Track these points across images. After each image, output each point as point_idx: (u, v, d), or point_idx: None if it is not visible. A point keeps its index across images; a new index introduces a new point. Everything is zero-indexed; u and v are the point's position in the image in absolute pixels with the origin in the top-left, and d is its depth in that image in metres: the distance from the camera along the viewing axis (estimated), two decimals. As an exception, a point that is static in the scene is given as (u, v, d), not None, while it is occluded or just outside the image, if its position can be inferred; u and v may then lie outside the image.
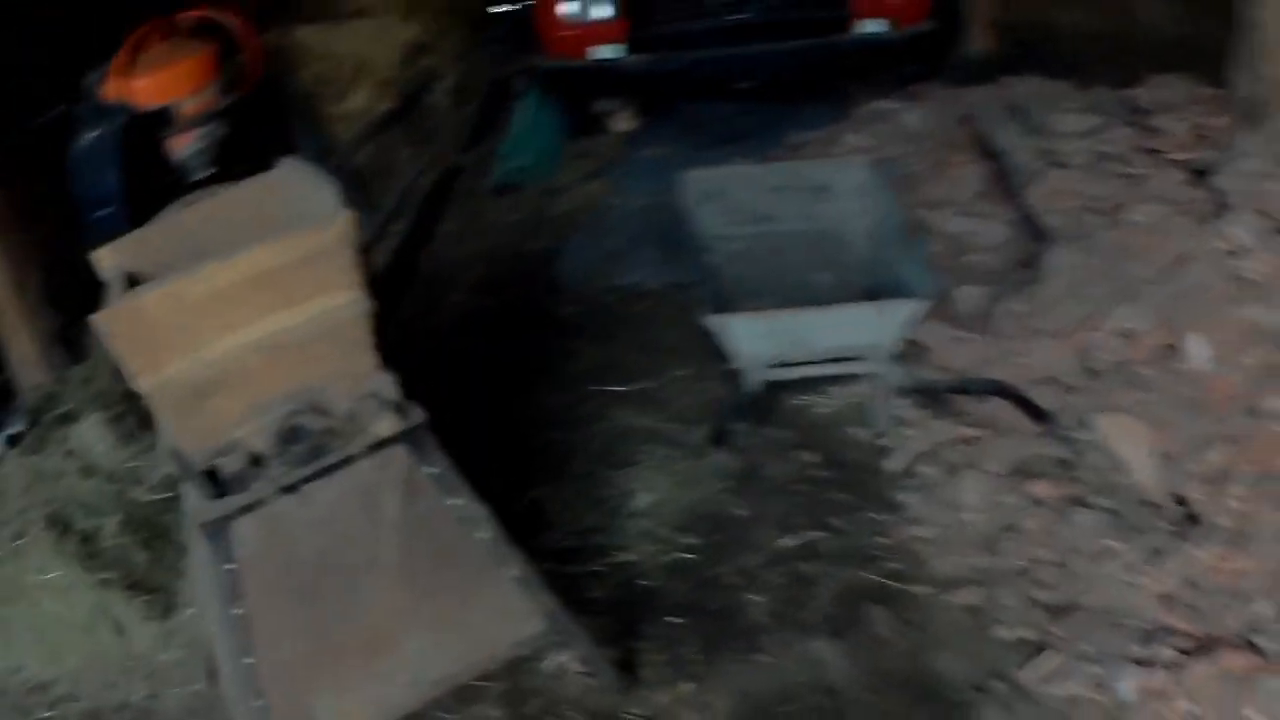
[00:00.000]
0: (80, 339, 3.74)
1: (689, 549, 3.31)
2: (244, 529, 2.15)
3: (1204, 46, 4.72)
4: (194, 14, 4.51)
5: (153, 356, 1.98)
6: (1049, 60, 5.92)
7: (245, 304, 2.01)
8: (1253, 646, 2.76)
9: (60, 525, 3.14)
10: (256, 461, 2.15)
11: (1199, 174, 4.09)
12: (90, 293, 2.25)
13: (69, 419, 3.46)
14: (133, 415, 3.39)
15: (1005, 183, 4.92)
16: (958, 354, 3.86)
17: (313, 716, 2.41)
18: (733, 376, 3.66)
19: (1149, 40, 6.07)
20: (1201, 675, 2.70)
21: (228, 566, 2.15)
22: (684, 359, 4.15)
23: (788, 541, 3.31)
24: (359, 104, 5.32)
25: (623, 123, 6.38)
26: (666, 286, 4.57)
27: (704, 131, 5.84)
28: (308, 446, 2.15)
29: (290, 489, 2.15)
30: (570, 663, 2.91)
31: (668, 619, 3.09)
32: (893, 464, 3.57)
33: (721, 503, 3.48)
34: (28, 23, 4.21)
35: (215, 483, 2.13)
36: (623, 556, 3.30)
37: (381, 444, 2.22)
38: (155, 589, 3.13)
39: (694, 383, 4.03)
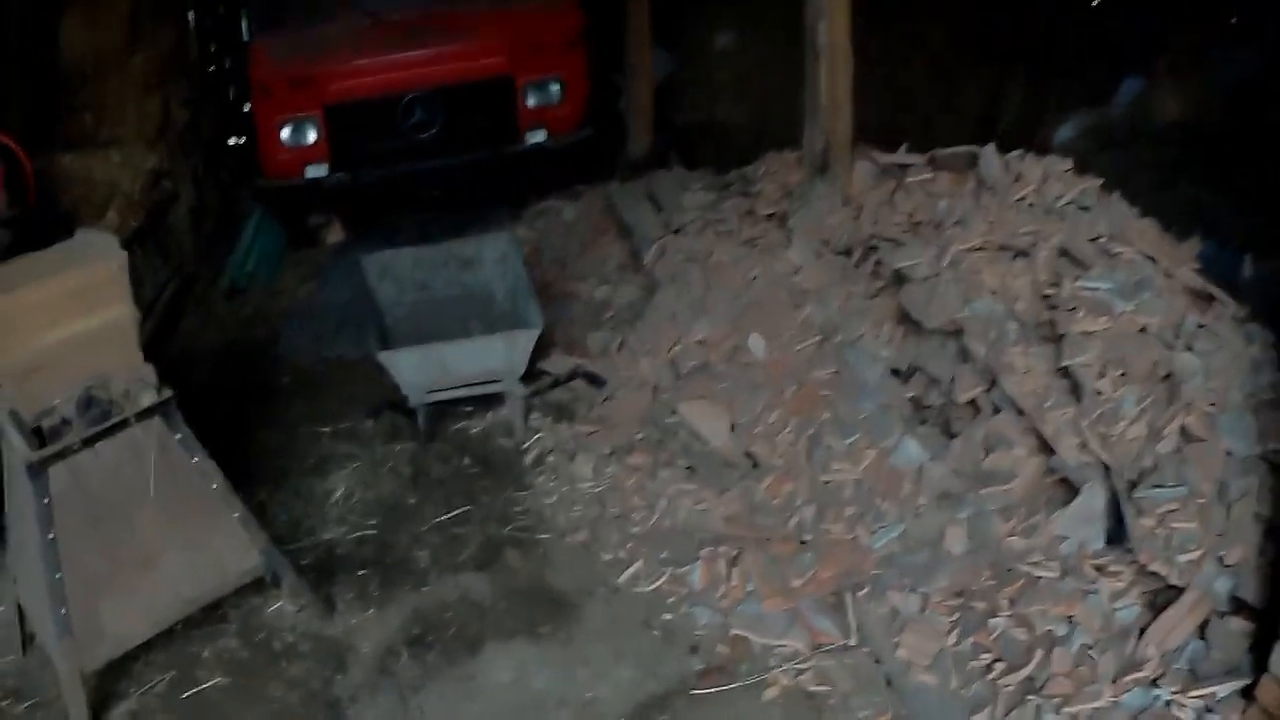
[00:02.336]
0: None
1: (372, 527, 5.47)
2: (56, 473, 4.01)
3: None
4: None
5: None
6: (700, 153, 8.44)
7: (61, 311, 3.94)
8: (800, 541, 4.95)
9: None
10: (66, 423, 4.03)
11: (782, 220, 6.40)
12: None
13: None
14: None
15: (637, 253, 7.24)
16: (579, 375, 6.12)
17: (101, 622, 4.23)
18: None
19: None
20: (754, 560, 4.87)
21: (45, 500, 3.99)
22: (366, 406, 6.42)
23: (445, 516, 5.49)
24: (112, 223, 7.25)
25: (333, 235, 8.73)
26: (362, 357, 6.77)
27: (401, 238, 8.10)
28: (99, 412, 4.05)
29: (88, 443, 4.03)
30: (287, 605, 4.90)
31: (357, 572, 5.16)
32: (527, 458, 5.80)
33: (397, 495, 5.68)
34: None
35: (38, 437, 3.98)
36: (325, 536, 5.44)
37: (146, 413, 4.15)
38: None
39: (381, 420, 6.26)
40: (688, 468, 5.45)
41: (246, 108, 8.99)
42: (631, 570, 4.99)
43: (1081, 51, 8.73)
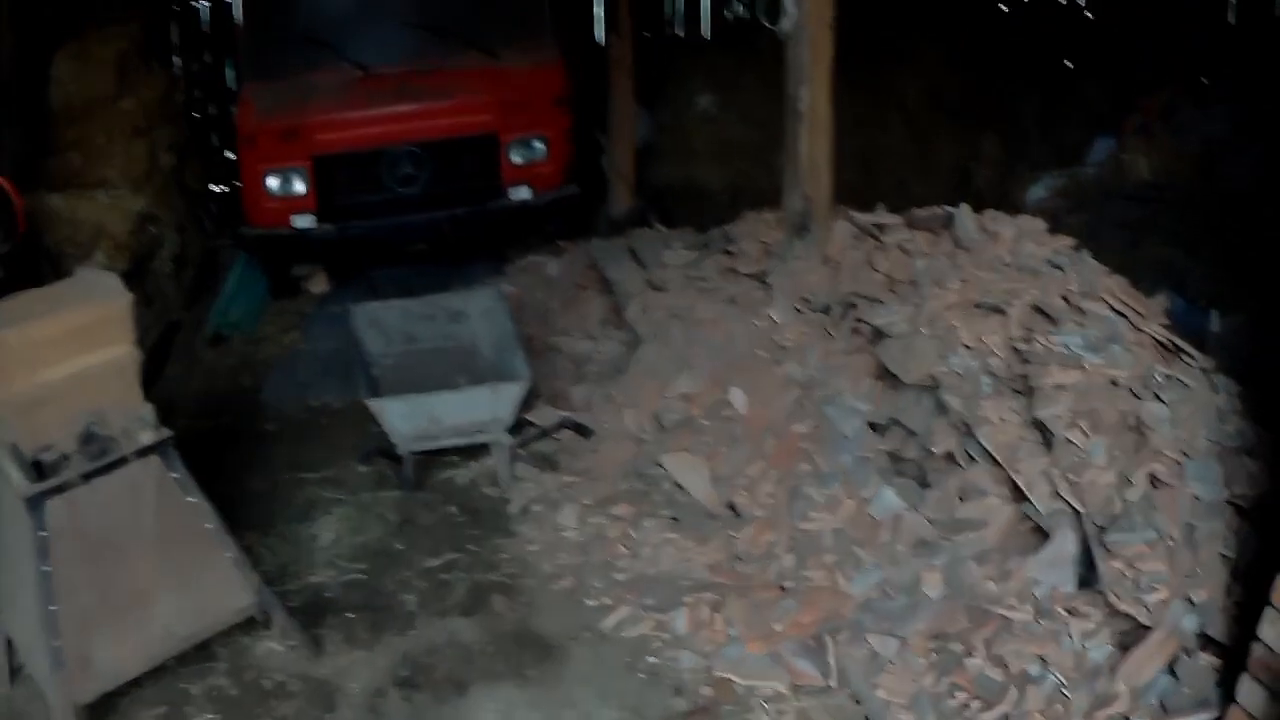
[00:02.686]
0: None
1: (360, 571, 5.61)
2: (54, 507, 4.18)
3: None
4: None
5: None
6: (678, 214, 8.72)
7: (66, 348, 4.13)
8: (781, 588, 5.12)
9: None
10: (65, 458, 4.19)
11: (762, 278, 6.64)
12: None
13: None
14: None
15: (619, 309, 7.46)
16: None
17: (94, 657, 4.38)
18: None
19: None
20: (737, 606, 5.03)
21: (42, 533, 4.15)
22: (359, 452, 6.59)
23: (433, 562, 5.64)
24: (99, 264, 7.41)
25: (317, 284, 8.92)
26: (347, 405, 7.04)
27: (384, 291, 8.31)
28: (97, 448, 4.22)
29: (86, 478, 4.20)
30: (276, 646, 5.03)
31: (345, 614, 5.29)
32: (513, 507, 5.97)
33: (384, 541, 5.84)
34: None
35: (38, 470, 4.15)
36: (312, 579, 5.58)
37: (144, 451, 4.32)
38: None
39: (368, 467, 6.45)
40: (671, 518, 5.64)
41: (231, 156, 9.21)
42: (616, 616, 5.14)
43: (1054, 112, 9.04)
